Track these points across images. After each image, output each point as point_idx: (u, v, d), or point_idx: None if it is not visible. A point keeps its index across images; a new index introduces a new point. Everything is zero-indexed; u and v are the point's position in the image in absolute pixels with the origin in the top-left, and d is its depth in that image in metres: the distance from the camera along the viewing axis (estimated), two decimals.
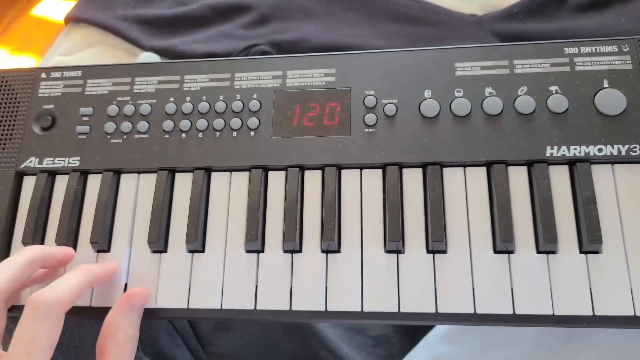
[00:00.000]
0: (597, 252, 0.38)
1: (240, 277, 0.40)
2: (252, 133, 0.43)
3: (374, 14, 0.57)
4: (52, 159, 0.45)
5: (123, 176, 0.44)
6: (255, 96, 0.45)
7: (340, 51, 0.53)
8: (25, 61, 1.57)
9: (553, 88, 0.41)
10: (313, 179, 0.42)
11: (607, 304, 0.36)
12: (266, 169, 0.43)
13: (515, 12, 0.53)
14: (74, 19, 0.69)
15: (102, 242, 0.42)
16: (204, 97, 0.45)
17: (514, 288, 0.38)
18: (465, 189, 0.40)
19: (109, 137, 0.45)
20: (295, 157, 0.42)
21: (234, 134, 0.44)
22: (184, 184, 0.43)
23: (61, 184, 0.44)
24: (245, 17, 0.61)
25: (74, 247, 0.43)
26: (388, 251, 0.40)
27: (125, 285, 0.41)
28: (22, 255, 0.37)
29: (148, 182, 0.44)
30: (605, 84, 0.41)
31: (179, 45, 0.60)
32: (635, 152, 0.39)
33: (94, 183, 0.44)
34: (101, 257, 0.42)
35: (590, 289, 0.37)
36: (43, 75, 0.48)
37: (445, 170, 0.41)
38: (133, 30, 0.63)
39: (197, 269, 0.41)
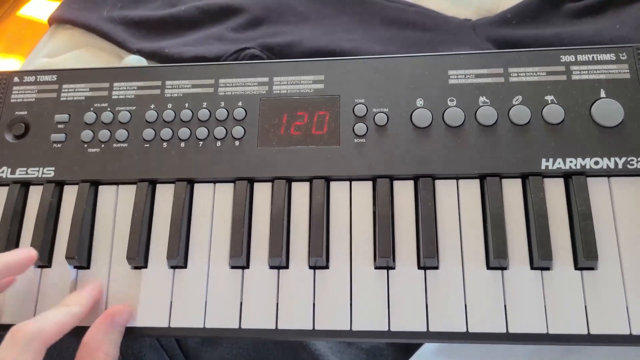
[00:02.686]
0: (592, 269, 0.37)
1: (224, 294, 0.38)
2: (237, 143, 0.42)
3: (369, 18, 0.56)
4: (25, 169, 0.42)
5: (101, 188, 0.42)
6: (240, 103, 0.43)
7: (335, 55, 0.52)
8: (13, 63, 1.53)
9: (549, 98, 0.40)
10: (300, 191, 0.40)
11: (602, 322, 0.35)
12: (251, 181, 0.41)
13: (509, 18, 0.52)
14: (58, 20, 0.66)
15: (79, 258, 0.40)
16: (187, 104, 0.43)
17: (508, 306, 0.36)
18: (458, 202, 0.39)
19: (85, 146, 0.43)
20: (282, 169, 0.40)
21: (218, 143, 0.42)
22: (165, 196, 0.41)
23: (35, 195, 0.42)
24: (235, 19, 0.59)
25: (49, 263, 0.41)
26: (378, 267, 0.38)
27: (105, 302, 0.39)
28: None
29: (127, 194, 0.42)
30: (603, 94, 0.40)
31: (167, 48, 0.57)
32: (633, 165, 0.38)
33: (70, 195, 0.42)
34: (80, 274, 0.40)
35: (585, 307, 0.36)
36: (16, 79, 0.45)
37: (438, 182, 0.40)
38: (119, 32, 0.61)
39: (179, 285, 0.39)
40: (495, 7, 0.56)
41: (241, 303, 0.38)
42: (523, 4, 0.53)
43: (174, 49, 0.56)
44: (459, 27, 0.53)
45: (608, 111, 0.39)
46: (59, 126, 0.44)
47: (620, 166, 0.38)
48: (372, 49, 0.52)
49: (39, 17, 1.61)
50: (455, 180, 0.40)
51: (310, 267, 0.39)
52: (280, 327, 0.37)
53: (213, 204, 0.41)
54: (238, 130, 0.42)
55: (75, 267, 0.41)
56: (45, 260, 0.40)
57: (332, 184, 0.40)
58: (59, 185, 0.42)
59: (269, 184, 0.41)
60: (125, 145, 0.42)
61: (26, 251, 0.38)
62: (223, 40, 0.57)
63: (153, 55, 0.57)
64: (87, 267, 0.40)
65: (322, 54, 0.52)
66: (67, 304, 0.36)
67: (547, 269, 0.37)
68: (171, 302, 0.39)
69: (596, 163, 0.38)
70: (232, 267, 0.39)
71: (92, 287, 0.39)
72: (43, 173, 0.42)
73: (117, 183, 0.42)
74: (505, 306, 0.36)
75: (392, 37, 0.53)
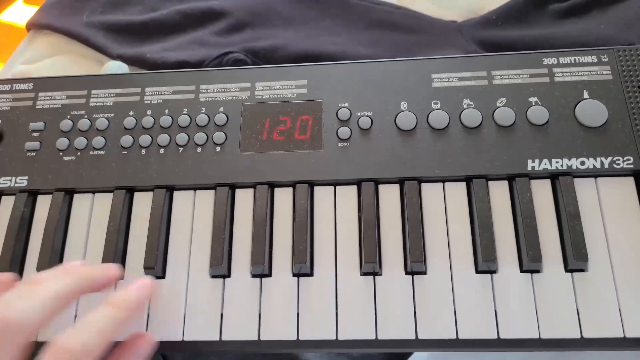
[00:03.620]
0: (583, 270, 0.36)
1: (204, 305, 0.37)
2: (218, 148, 0.40)
3: (354, 20, 0.56)
4: None
5: (76, 196, 0.41)
6: (221, 109, 0.42)
7: (320, 59, 0.52)
8: None
9: (533, 99, 0.40)
10: (283, 197, 0.39)
11: (595, 325, 0.34)
12: (233, 187, 0.40)
13: (495, 19, 0.52)
14: (36, 26, 0.65)
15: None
16: (167, 111, 0.42)
17: (498, 310, 0.35)
18: (445, 205, 0.38)
19: (61, 154, 0.41)
20: (265, 174, 0.39)
21: (199, 149, 0.41)
22: (143, 203, 0.40)
23: (6, 205, 0.40)
24: (219, 23, 0.58)
25: (20, 274, 0.39)
26: (364, 273, 0.37)
27: (75, 316, 0.37)
28: (64, 279, 0.31)
29: (103, 203, 0.40)
30: (586, 95, 0.40)
31: (149, 53, 0.56)
32: (619, 164, 0.37)
33: (44, 204, 0.40)
34: None
35: (577, 310, 0.35)
36: None
37: (424, 185, 0.39)
38: (100, 37, 0.60)
39: (157, 296, 0.37)
40: (481, 8, 0.56)
41: (222, 314, 0.37)
42: (508, 5, 0.54)
43: (156, 54, 0.55)
44: (445, 29, 0.54)
45: (592, 112, 0.39)
46: (34, 134, 0.42)
47: (606, 166, 0.37)
48: (357, 52, 0.51)
49: (19, 22, 1.57)
50: (441, 183, 0.39)
51: (294, 275, 0.37)
52: (263, 338, 0.36)
53: (193, 211, 0.40)
54: (219, 136, 0.41)
55: None
56: (16, 272, 0.38)
57: (316, 189, 0.39)
58: (32, 194, 0.41)
59: (251, 190, 0.40)
60: (103, 152, 0.41)
61: (114, 268, 0.35)
62: (206, 44, 0.57)
63: (134, 60, 0.56)
64: None
65: (307, 58, 0.52)
66: (113, 305, 0.32)
67: (537, 271, 0.36)
68: (148, 314, 0.37)
69: (582, 163, 0.38)
70: (213, 277, 0.38)
71: (141, 286, 0.34)
72: (16, 182, 0.41)
73: (93, 191, 0.41)
74: (495, 311, 0.35)
75: (378, 39, 0.53)
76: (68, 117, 0.43)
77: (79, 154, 0.41)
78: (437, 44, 0.52)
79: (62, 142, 0.41)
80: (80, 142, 0.41)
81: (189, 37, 0.56)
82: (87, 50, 0.59)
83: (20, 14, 1.61)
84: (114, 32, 0.58)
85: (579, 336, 0.34)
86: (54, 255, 0.38)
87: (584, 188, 0.38)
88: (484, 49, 0.51)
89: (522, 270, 0.36)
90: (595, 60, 0.41)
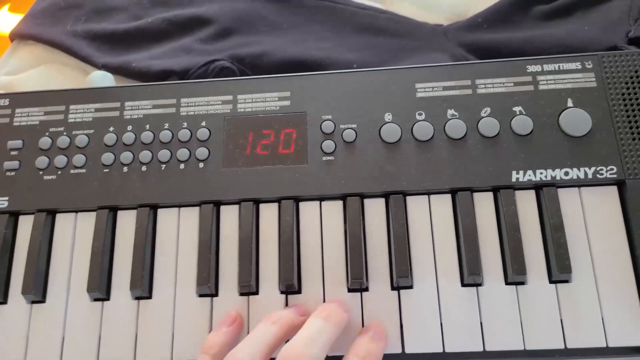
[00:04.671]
0: (567, 282, 0.36)
1: (192, 325, 0.37)
2: (202, 164, 0.40)
3: (340, 26, 0.55)
4: None
5: (58, 216, 0.40)
6: (203, 123, 0.41)
7: (306, 65, 0.51)
8: None
9: (517, 109, 0.40)
10: (269, 213, 0.39)
11: (578, 335, 0.35)
12: (218, 204, 0.39)
13: (480, 22, 0.51)
14: (19, 36, 0.63)
15: (36, 292, 0.38)
16: (147, 126, 0.41)
17: (484, 323, 0.36)
18: (430, 218, 0.38)
19: (41, 173, 0.41)
20: (249, 190, 0.39)
21: (182, 166, 0.40)
22: (127, 222, 0.39)
23: None
24: (204, 30, 0.57)
25: (4, 299, 0.38)
26: (351, 289, 0.37)
27: (63, 338, 0.37)
28: (276, 327, 0.33)
29: (87, 222, 0.39)
30: (570, 104, 0.39)
31: (134, 62, 0.55)
32: (602, 174, 0.37)
33: (26, 225, 0.40)
34: (35, 308, 0.38)
35: (561, 321, 0.35)
36: None
37: (409, 199, 0.39)
38: (84, 46, 0.59)
39: (144, 317, 0.37)
40: (466, 12, 0.56)
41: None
42: (493, 8, 0.53)
43: (141, 63, 0.54)
44: (431, 33, 0.53)
45: (576, 121, 0.39)
46: (12, 153, 0.41)
47: (590, 176, 0.37)
48: (343, 57, 0.51)
49: (4, 30, 1.54)
50: (426, 196, 0.39)
51: (282, 292, 0.37)
52: None
53: (178, 229, 0.39)
54: (202, 152, 0.40)
55: (31, 302, 0.38)
56: (0, 296, 0.38)
57: (302, 205, 0.39)
58: (14, 215, 0.40)
59: (236, 207, 0.39)
60: (84, 170, 0.40)
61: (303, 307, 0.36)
62: (192, 52, 0.56)
63: (119, 69, 0.55)
64: (43, 300, 0.38)
65: (293, 64, 0.51)
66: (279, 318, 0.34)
67: (522, 283, 0.36)
68: (136, 335, 0.37)
69: (566, 174, 0.38)
70: (200, 296, 0.38)
71: (298, 310, 0.36)
72: None
73: (75, 211, 0.40)
74: (481, 323, 0.36)
75: (364, 44, 0.52)
76: (47, 134, 0.42)
77: (59, 172, 0.40)
78: (423, 48, 0.51)
79: (42, 161, 0.41)
80: (60, 160, 0.41)
81: (175, 44, 0.55)
82: (71, 60, 0.58)
83: (5, 22, 1.56)
84: (98, 41, 0.57)
85: (562, 347, 0.35)
86: (38, 277, 0.38)
87: (568, 198, 0.38)
88: (470, 52, 0.50)
89: (507, 283, 0.36)
90: (580, 67, 0.40)
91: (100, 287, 0.37)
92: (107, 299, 0.38)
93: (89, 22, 0.61)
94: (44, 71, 0.60)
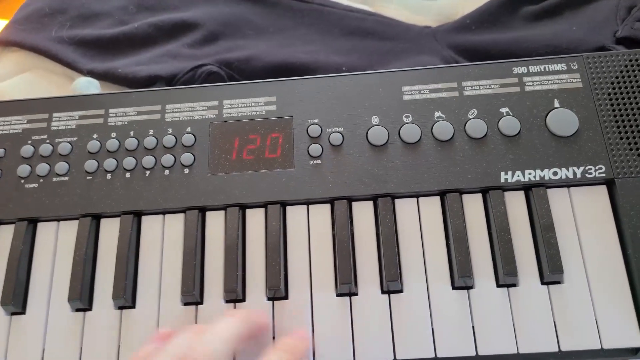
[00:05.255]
0: (559, 282, 0.35)
1: None
2: (187, 170, 0.39)
3: (328, 29, 0.55)
4: None
5: (40, 225, 0.39)
6: (189, 129, 0.41)
7: (294, 68, 0.51)
8: None
9: (504, 110, 0.39)
10: (255, 218, 0.38)
11: (572, 338, 0.34)
12: (203, 210, 0.39)
13: (469, 23, 0.51)
14: (4, 43, 0.63)
15: (16, 304, 0.36)
16: (132, 133, 0.41)
17: (475, 326, 0.35)
18: (419, 221, 0.38)
19: (22, 181, 0.40)
20: (235, 195, 0.38)
21: (166, 172, 0.39)
22: (110, 230, 0.39)
23: None
24: (191, 35, 0.57)
25: None
26: (340, 294, 0.36)
27: (43, 350, 0.36)
28: (231, 322, 0.32)
29: (69, 231, 0.39)
30: (557, 104, 0.39)
31: (121, 68, 0.55)
32: (591, 174, 0.37)
33: (6, 235, 0.39)
34: (14, 319, 0.37)
35: (555, 323, 0.35)
36: None
37: (398, 201, 0.38)
38: (69, 52, 0.58)
39: (127, 327, 0.36)
40: (455, 13, 0.56)
41: None
42: (482, 9, 0.54)
43: (128, 69, 0.54)
44: (419, 35, 0.53)
45: (563, 121, 0.39)
46: None
47: (578, 175, 0.37)
48: (331, 60, 0.51)
49: None
50: (415, 199, 0.38)
51: (269, 299, 0.36)
52: None
53: (162, 236, 0.38)
54: (187, 157, 0.40)
55: (11, 313, 0.37)
56: None
57: (289, 209, 0.39)
58: None
59: (222, 212, 0.39)
60: (66, 178, 0.40)
61: (264, 316, 0.35)
62: (179, 57, 0.55)
63: (105, 75, 0.55)
64: (22, 311, 0.37)
65: (281, 68, 0.51)
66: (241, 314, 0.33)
67: (514, 285, 0.36)
68: (119, 345, 0.36)
69: (555, 174, 0.37)
70: (185, 304, 0.37)
71: (302, 338, 0.34)
72: None
73: (57, 220, 0.39)
74: (473, 327, 0.35)
75: (352, 47, 0.52)
76: (29, 142, 0.41)
77: (41, 180, 0.40)
78: (411, 50, 0.51)
79: (24, 169, 0.40)
80: (43, 168, 0.40)
81: (161, 50, 0.55)
82: (56, 66, 0.58)
83: None
84: (83, 47, 0.57)
85: (556, 349, 0.34)
86: (18, 287, 0.37)
87: (557, 199, 0.37)
88: (458, 53, 0.50)
89: (498, 285, 0.36)
90: (565, 68, 0.40)
91: (82, 296, 0.36)
92: (90, 309, 0.37)
93: (74, 28, 0.60)
94: (29, 78, 0.59)
